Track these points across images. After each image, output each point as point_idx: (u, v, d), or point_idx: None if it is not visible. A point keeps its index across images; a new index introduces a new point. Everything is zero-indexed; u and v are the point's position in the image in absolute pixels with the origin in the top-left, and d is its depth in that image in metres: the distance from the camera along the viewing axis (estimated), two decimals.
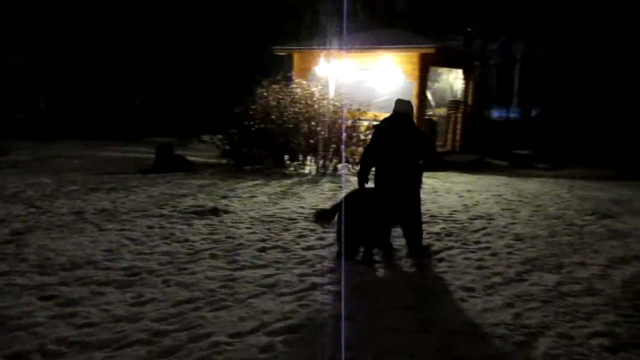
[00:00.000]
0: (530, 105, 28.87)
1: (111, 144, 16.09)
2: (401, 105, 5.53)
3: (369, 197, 5.35)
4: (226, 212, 6.99)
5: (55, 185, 8.55)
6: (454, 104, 13.65)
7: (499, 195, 8.86)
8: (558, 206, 8.16)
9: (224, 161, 11.27)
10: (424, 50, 11.65)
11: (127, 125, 18.66)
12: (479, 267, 5.17)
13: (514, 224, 6.97)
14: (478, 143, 14.60)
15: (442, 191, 9.00)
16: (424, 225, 5.82)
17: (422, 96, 11.83)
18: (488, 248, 5.80)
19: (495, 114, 31.42)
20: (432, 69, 12.64)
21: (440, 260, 5.37)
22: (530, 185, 10.16)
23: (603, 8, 19.12)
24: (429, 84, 12.71)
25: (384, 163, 5.37)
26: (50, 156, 12.77)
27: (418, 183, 5.52)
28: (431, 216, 7.15)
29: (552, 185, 10.28)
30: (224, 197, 7.87)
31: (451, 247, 5.79)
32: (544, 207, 8.08)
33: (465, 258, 5.44)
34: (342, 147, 10.68)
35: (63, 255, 5.06)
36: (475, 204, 8.00)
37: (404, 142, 5.33)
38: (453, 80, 14.25)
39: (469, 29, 27.54)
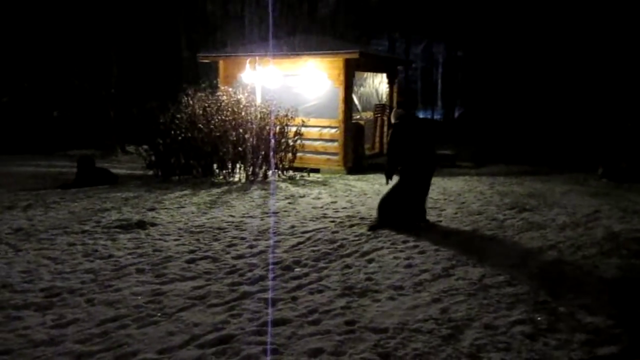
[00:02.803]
0: (453, 106, 30.05)
1: (28, 159, 15.24)
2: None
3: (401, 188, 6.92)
4: (153, 224, 6.78)
5: None
6: (380, 108, 13.96)
7: None
8: (481, 202, 8.52)
9: (150, 172, 10.93)
10: (349, 56, 11.83)
11: (46, 138, 17.72)
12: (408, 266, 5.30)
13: (440, 221, 7.21)
14: None
15: (372, 193, 9.17)
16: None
17: (348, 101, 12.01)
18: (416, 246, 5.96)
19: (420, 115, 32.52)
20: (358, 74, 12.86)
21: (370, 261, 5.46)
22: (455, 184, 10.55)
23: (517, 14, 20.20)
24: (355, 88, 12.93)
25: (413, 154, 6.72)
26: None
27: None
28: (361, 218, 7.27)
29: (475, 183, 10.72)
30: (151, 210, 7.64)
31: (380, 248, 5.90)
32: (468, 204, 8.41)
33: (395, 257, 5.57)
34: (271, 153, 10.66)
35: None
36: None
37: (425, 134, 6.94)
38: (378, 84, 14.58)
39: (393, 34, 28.31)
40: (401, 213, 6.76)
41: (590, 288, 4.74)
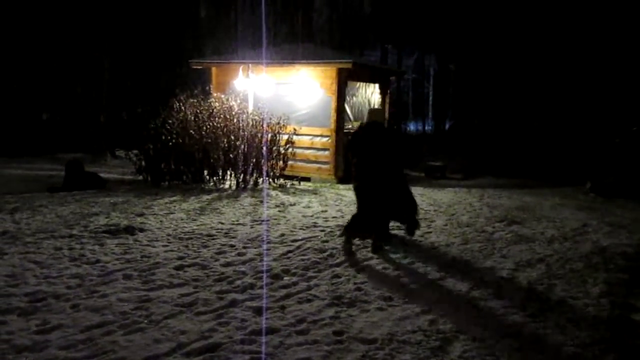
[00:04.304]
0: (444, 118, 30.23)
1: (16, 161, 15.09)
2: (374, 114, 6.59)
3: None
4: (141, 230, 6.73)
5: None
6: None
7: None
8: (470, 214, 8.54)
9: (139, 177, 10.86)
10: (342, 65, 11.88)
11: (34, 140, 17.58)
12: (397, 276, 5.29)
13: (429, 232, 7.22)
14: None
15: None
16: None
17: (340, 110, 12.04)
18: (405, 257, 5.96)
19: (412, 127, 32.69)
20: (350, 84, 12.91)
21: (359, 270, 5.45)
22: (445, 195, 10.58)
23: (507, 29, 20.42)
24: (347, 98, 12.97)
25: (362, 163, 6.27)
26: None
27: (399, 178, 6.51)
28: None
29: (464, 195, 10.76)
30: (140, 215, 7.58)
31: (370, 258, 5.89)
32: (457, 215, 8.43)
33: (384, 268, 5.56)
34: (262, 161, 10.63)
35: None
36: None
37: (379, 145, 6.22)
38: (370, 94, 14.64)
39: (386, 45, 28.48)
40: (362, 226, 6.26)
41: (578, 302, 4.75)
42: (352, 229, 6.23)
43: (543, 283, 5.23)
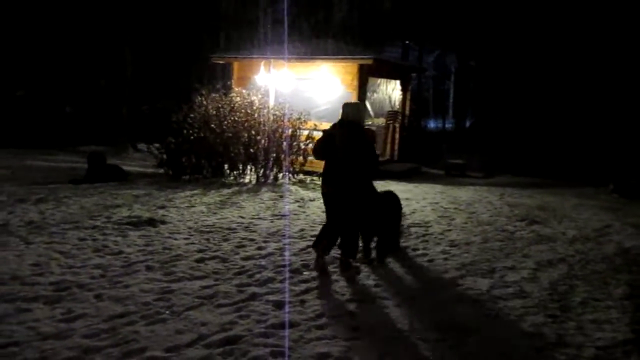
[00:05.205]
0: (464, 116, 29.95)
1: (41, 153, 15.34)
2: (349, 110, 5.39)
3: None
4: (163, 222, 6.80)
5: None
6: (393, 114, 13.94)
7: (436, 203, 9.10)
8: (490, 213, 8.47)
9: (161, 171, 10.98)
10: (363, 62, 11.85)
11: (58, 133, 17.86)
12: (416, 274, 5.28)
13: (449, 230, 7.18)
14: (415, 152, 15.02)
15: None
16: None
17: None
18: (425, 255, 5.94)
19: (432, 124, 32.46)
20: (371, 80, 12.87)
21: (379, 267, 5.45)
22: (465, 193, 10.50)
23: (529, 26, 20.16)
24: (368, 94, 12.93)
25: (329, 164, 5.36)
26: None
27: (356, 190, 5.27)
28: None
29: (484, 193, 10.67)
30: (161, 208, 7.67)
31: (389, 255, 5.88)
32: (478, 214, 8.37)
33: (403, 265, 5.56)
34: (283, 156, 10.66)
35: None
36: (413, 212, 8.19)
37: (347, 150, 5.19)
38: (391, 91, 14.57)
39: (406, 42, 28.29)
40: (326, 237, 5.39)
41: (600, 304, 4.70)
42: (316, 243, 5.37)
43: (564, 284, 5.18)
